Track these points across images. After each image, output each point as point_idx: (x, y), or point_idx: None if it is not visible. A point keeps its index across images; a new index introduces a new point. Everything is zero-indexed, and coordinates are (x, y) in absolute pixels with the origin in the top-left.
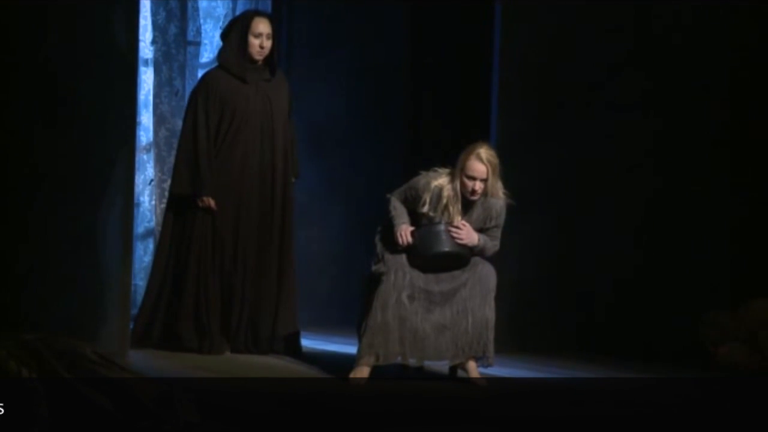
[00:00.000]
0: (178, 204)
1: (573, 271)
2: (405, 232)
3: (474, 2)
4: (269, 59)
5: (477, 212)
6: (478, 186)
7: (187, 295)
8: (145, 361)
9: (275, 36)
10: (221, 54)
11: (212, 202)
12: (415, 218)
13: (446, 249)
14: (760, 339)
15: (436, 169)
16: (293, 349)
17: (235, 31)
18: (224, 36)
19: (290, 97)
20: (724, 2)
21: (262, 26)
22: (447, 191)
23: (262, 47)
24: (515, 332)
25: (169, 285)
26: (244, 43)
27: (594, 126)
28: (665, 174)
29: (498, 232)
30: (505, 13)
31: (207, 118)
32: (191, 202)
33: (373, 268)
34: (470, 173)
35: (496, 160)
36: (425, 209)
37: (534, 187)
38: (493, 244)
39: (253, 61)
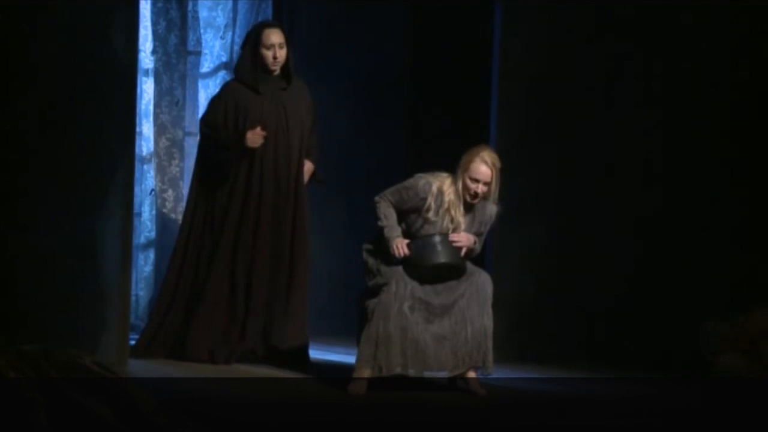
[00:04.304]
0: (194, 213)
1: (573, 279)
2: (401, 245)
3: (474, 5)
4: (286, 68)
5: (474, 216)
6: (481, 189)
7: (201, 305)
8: (145, 371)
9: (289, 44)
10: (236, 66)
11: (257, 129)
12: (407, 220)
13: (443, 260)
14: (761, 348)
15: (432, 173)
16: (300, 361)
17: (248, 43)
18: (242, 48)
19: (312, 107)
20: (726, 3)
21: (273, 37)
22: (448, 195)
23: (275, 58)
24: (515, 341)
25: (181, 295)
26: (257, 56)
27: (594, 130)
28: (666, 181)
29: (485, 235)
30: (505, 15)
31: (225, 117)
32: (207, 212)
33: (371, 282)
34: (475, 176)
35: (499, 164)
36: (430, 214)
37: (533, 194)
38: (479, 245)
39: (270, 72)
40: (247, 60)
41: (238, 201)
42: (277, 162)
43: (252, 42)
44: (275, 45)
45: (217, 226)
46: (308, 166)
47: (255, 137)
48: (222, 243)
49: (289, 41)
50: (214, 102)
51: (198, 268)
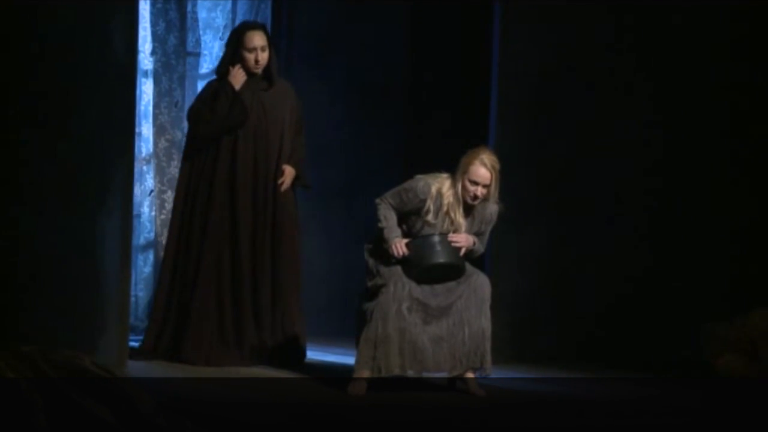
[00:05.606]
0: (182, 213)
1: (572, 280)
2: (399, 245)
3: (474, 5)
4: (269, 70)
5: (474, 217)
6: (480, 191)
7: (194, 307)
8: (144, 371)
9: (272, 46)
10: (218, 66)
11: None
12: (407, 221)
13: (442, 260)
14: (760, 349)
15: (432, 174)
16: (298, 361)
17: (230, 44)
18: (225, 47)
19: (297, 110)
20: (727, 3)
21: (256, 40)
22: (447, 197)
23: (257, 61)
24: (514, 342)
25: (176, 297)
26: (238, 57)
27: (593, 133)
28: (666, 183)
29: (488, 235)
30: (504, 15)
31: (211, 108)
32: (192, 212)
33: (370, 283)
34: (474, 178)
35: (498, 166)
36: (429, 216)
37: (533, 194)
38: (481, 245)
39: (251, 74)
40: (228, 61)
41: (217, 202)
42: (256, 163)
43: (234, 43)
44: (257, 48)
45: (201, 226)
46: (289, 171)
47: (237, 72)
48: (206, 245)
49: (272, 43)
50: (196, 98)
51: (189, 269)
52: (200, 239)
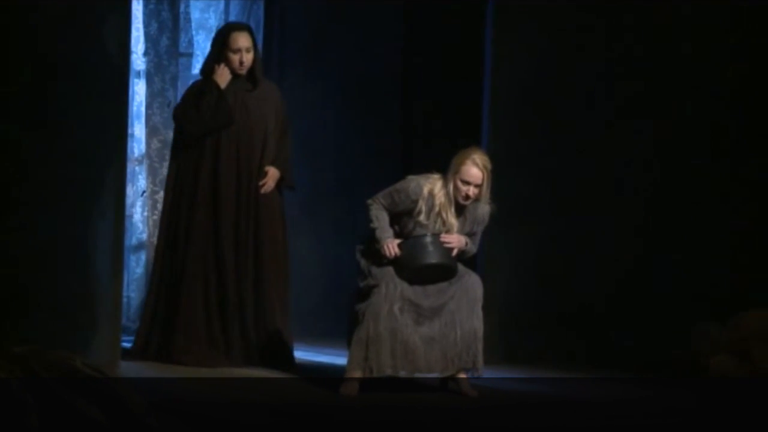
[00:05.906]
0: (170, 214)
1: (565, 281)
2: (391, 245)
3: (466, 5)
4: (253, 70)
5: (466, 217)
6: (472, 191)
7: (182, 308)
8: (136, 372)
9: (257, 47)
10: (202, 66)
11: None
12: (399, 222)
13: (433, 261)
14: (753, 350)
15: (424, 174)
16: (285, 362)
17: (215, 44)
18: (211, 47)
19: (281, 110)
20: (723, 4)
21: (241, 41)
22: (439, 198)
23: (242, 62)
24: (506, 342)
25: (164, 298)
26: (223, 58)
27: (587, 136)
28: (660, 185)
29: (480, 235)
30: (497, 15)
31: (196, 107)
32: (180, 212)
33: (362, 284)
34: (465, 178)
35: (490, 166)
36: (421, 217)
37: (525, 195)
38: (473, 245)
39: (236, 75)
40: (213, 60)
41: (201, 202)
42: (239, 163)
43: (219, 44)
44: (242, 49)
45: (186, 227)
46: (273, 172)
47: (222, 71)
48: (190, 245)
49: (257, 44)
50: (182, 98)
51: (176, 269)
52: (185, 239)
